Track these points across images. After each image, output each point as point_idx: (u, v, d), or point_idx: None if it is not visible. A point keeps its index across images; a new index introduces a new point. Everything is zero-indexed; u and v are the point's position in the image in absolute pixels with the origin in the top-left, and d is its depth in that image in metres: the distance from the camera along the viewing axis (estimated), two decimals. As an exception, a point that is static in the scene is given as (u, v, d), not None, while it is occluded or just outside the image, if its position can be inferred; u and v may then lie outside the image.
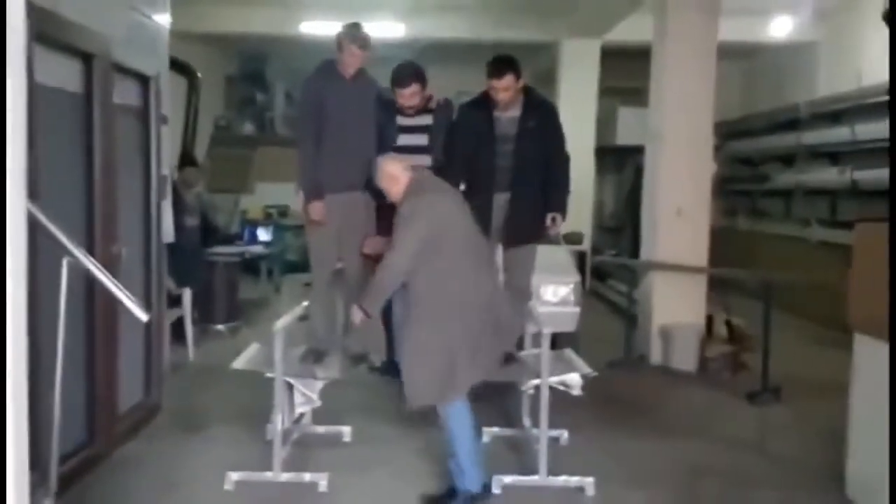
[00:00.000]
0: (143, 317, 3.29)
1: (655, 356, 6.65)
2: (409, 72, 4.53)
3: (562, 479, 3.99)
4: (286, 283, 10.08)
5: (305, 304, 4.52)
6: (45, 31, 3.43)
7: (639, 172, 7.74)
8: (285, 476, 3.98)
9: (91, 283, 3.72)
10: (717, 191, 7.24)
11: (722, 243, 7.40)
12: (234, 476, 3.93)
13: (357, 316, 3.79)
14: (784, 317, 7.10)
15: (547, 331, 3.99)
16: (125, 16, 4.67)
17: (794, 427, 5.16)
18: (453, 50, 10.59)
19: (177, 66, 6.95)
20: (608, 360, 6.24)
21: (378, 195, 4.19)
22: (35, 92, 3.12)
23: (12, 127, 2.06)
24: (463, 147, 4.44)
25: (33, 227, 2.68)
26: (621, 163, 11.84)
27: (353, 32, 4.34)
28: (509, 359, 4.57)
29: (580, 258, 8.28)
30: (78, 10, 3.83)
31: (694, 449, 4.68)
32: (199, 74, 8.24)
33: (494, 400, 5.19)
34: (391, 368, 4.67)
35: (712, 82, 6.69)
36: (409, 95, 4.50)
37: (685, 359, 6.46)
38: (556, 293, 5.85)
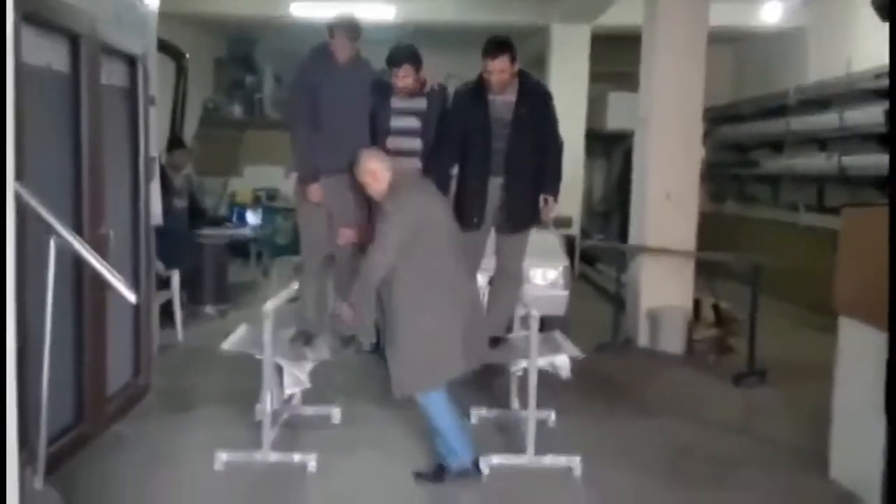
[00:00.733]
0: (132, 298, 3.29)
1: (643, 339, 6.70)
2: (404, 53, 4.55)
3: (549, 459, 4.03)
4: (275, 266, 10.07)
5: (295, 286, 4.53)
6: (31, 10, 3.39)
7: (628, 157, 7.76)
8: (274, 456, 4.00)
9: (79, 264, 3.71)
10: (706, 176, 7.27)
11: (710, 228, 7.44)
12: (224, 456, 3.94)
13: (345, 311, 3.92)
14: (771, 301, 7.16)
15: (536, 313, 4.02)
16: (113, -5, 4.63)
17: (780, 409, 5.22)
18: (444, 34, 10.55)
19: (165, 47, 6.90)
20: (596, 344, 6.29)
21: None
22: (22, 72, 3.09)
23: (-1, 106, 2.05)
24: (457, 130, 4.43)
25: (21, 207, 2.67)
26: (611, 147, 11.87)
27: (344, 23, 4.32)
28: (498, 341, 4.60)
29: (569, 242, 8.30)
30: (65, -11, 3.80)
31: (680, 430, 4.73)
32: (187, 56, 8.18)
33: (483, 381, 5.23)
34: (381, 349, 4.68)
35: (702, 67, 6.71)
36: (401, 76, 4.50)
37: (672, 342, 6.51)
38: (545, 276, 5.87)
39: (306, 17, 9.62)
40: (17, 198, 2.34)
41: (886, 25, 3.73)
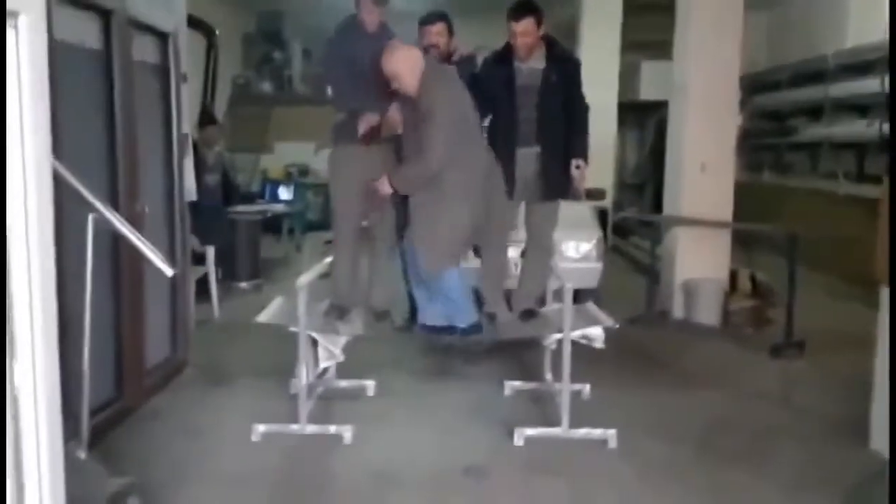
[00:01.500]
0: (169, 271, 3.32)
1: (678, 311, 6.63)
2: (438, 14, 4.62)
3: (584, 431, 4.02)
4: (307, 242, 10.14)
5: (328, 260, 4.54)
6: (63, -14, 3.41)
7: (661, 128, 7.63)
8: (311, 428, 4.04)
9: (116, 240, 3.75)
10: (742, 145, 7.13)
11: (746, 198, 7.31)
12: (261, 428, 4.00)
13: (384, 187, 4.09)
14: (809, 272, 7.04)
15: (569, 286, 3.99)
16: (142, -29, 4.63)
17: (818, 381, 5.14)
18: (474, 4, 10.42)
19: (195, 23, 6.92)
20: (630, 316, 6.23)
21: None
22: (54, 49, 3.11)
23: (35, 84, 2.06)
24: (484, 98, 4.39)
25: (58, 184, 2.70)
26: (644, 118, 11.68)
27: None
28: (531, 314, 4.59)
29: (602, 214, 8.23)
30: (95, -34, 3.80)
31: (716, 402, 4.69)
32: (217, 32, 8.19)
33: (516, 354, 5.23)
34: (413, 326, 4.68)
35: (738, 34, 6.54)
36: (435, 33, 4.54)
37: (708, 313, 6.43)
38: (578, 249, 5.83)
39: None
40: (55, 174, 2.36)
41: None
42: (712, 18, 6.50)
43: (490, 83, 4.43)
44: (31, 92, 2.05)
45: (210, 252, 6.53)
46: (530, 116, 4.40)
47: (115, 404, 4.05)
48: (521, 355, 5.19)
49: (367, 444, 3.98)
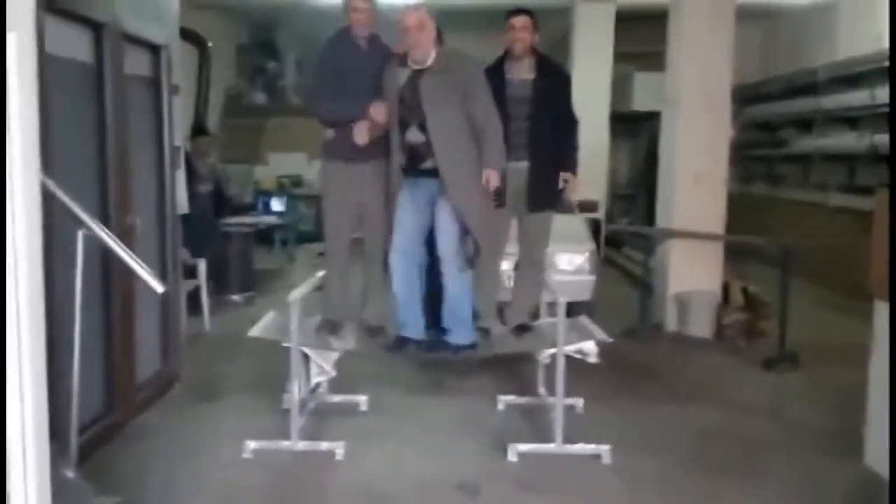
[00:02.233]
0: (159, 288, 3.30)
1: (671, 324, 6.62)
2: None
3: (578, 447, 4.00)
4: (300, 253, 10.11)
5: (321, 274, 4.52)
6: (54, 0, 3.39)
7: (654, 139, 7.65)
8: (303, 444, 4.01)
9: (107, 254, 3.72)
10: (734, 156, 7.14)
11: (738, 209, 7.32)
12: (252, 444, 3.96)
13: (495, 179, 4.03)
14: (801, 284, 7.05)
15: (562, 299, 3.98)
16: (134, -16, 4.62)
17: (811, 394, 5.14)
18: (467, 16, 10.45)
19: (187, 35, 6.91)
20: (623, 329, 6.22)
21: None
22: (45, 62, 3.09)
23: (24, 99, 2.05)
24: None
25: (47, 199, 2.68)
26: (636, 129, 11.72)
27: None
28: (524, 328, 4.57)
29: (595, 226, 8.23)
30: (87, -21, 3.79)
31: (710, 415, 4.68)
32: (209, 44, 8.19)
33: (509, 368, 5.21)
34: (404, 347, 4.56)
35: (731, 45, 6.57)
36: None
37: (701, 326, 6.43)
38: (571, 262, 5.82)
39: (327, 2, 9.57)
40: (44, 190, 2.34)
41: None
42: (705, 30, 6.53)
43: None
44: (21, 109, 2.03)
45: (202, 265, 6.49)
46: (521, 127, 4.41)
47: (104, 420, 4.02)
48: (515, 369, 5.17)
49: (360, 460, 3.95)
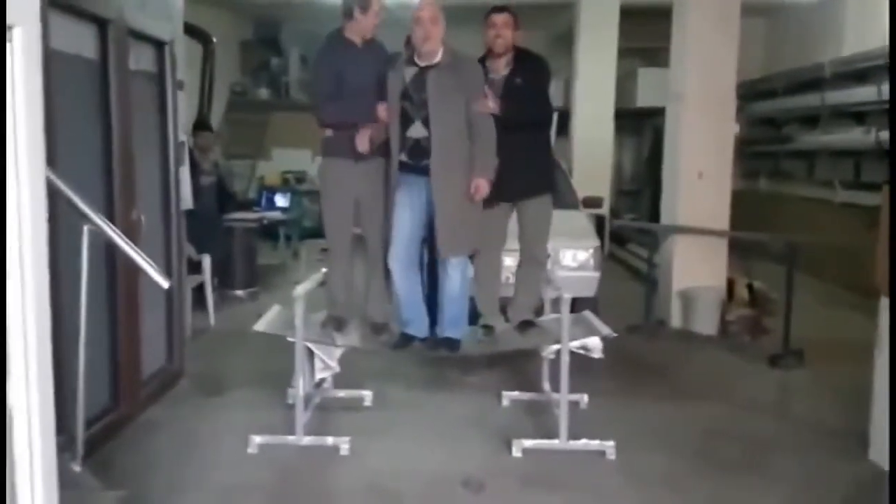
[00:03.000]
0: (164, 283, 3.31)
1: (675, 320, 6.62)
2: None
3: (582, 443, 4.00)
4: (304, 249, 10.11)
5: (325, 270, 4.52)
6: (59, -4, 3.40)
7: (658, 135, 7.63)
8: (307, 439, 4.02)
9: (112, 249, 3.73)
10: (739, 152, 7.12)
11: (743, 206, 7.31)
12: (258, 439, 3.97)
13: (484, 189, 4.06)
14: (806, 280, 7.03)
15: (567, 296, 3.97)
16: (139, -20, 4.62)
17: (817, 391, 5.13)
18: (469, 12, 10.43)
19: (191, 31, 6.91)
20: (628, 325, 6.22)
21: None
22: (50, 58, 3.10)
23: (29, 95, 2.05)
24: None
25: (53, 195, 2.68)
26: (641, 125, 11.71)
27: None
28: (528, 325, 4.57)
29: (599, 222, 8.22)
30: (91, -25, 3.79)
31: (715, 412, 4.67)
32: (213, 39, 8.19)
33: (514, 364, 5.21)
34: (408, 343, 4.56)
35: (735, 41, 6.55)
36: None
37: (706, 322, 6.42)
38: (575, 258, 5.80)
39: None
40: (50, 186, 2.35)
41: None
42: (709, 26, 6.51)
43: None
44: (26, 104, 2.04)
45: (206, 260, 6.50)
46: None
47: (110, 415, 4.02)
48: (519, 365, 5.17)
49: (365, 455, 3.95)
